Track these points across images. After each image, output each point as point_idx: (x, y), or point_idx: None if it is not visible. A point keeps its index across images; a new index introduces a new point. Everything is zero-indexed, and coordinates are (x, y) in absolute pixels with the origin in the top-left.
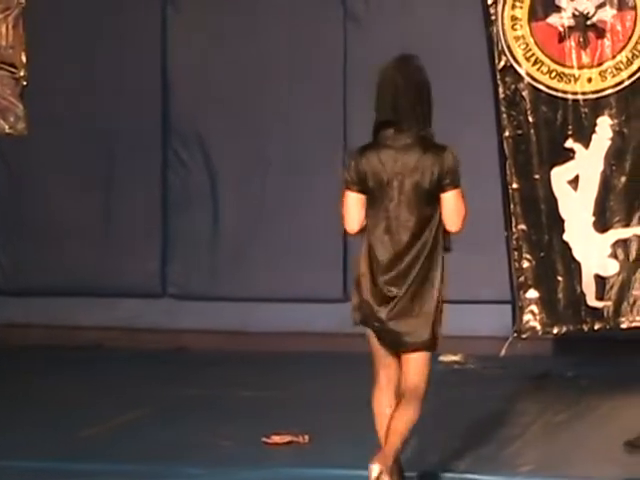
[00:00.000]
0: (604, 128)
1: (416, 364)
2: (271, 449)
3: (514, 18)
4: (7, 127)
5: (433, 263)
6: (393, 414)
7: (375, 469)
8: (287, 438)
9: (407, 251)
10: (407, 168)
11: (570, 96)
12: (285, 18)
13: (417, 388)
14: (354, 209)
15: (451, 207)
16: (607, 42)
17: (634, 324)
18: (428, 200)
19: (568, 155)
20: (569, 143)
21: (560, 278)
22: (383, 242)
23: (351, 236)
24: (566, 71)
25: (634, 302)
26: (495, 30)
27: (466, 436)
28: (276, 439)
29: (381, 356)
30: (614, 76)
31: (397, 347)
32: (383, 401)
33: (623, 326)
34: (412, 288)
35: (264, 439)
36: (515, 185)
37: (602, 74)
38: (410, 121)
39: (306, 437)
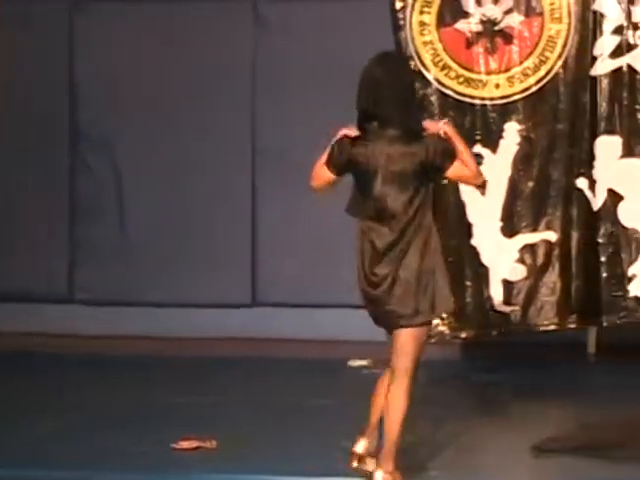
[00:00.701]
0: (512, 133)
1: (401, 342)
2: (180, 455)
3: (422, 23)
4: None
5: (417, 243)
6: (385, 402)
7: (379, 476)
8: (195, 444)
9: (399, 237)
10: (392, 159)
11: (478, 101)
12: (195, 22)
13: (403, 366)
14: (321, 180)
15: (459, 177)
16: (515, 48)
17: (541, 328)
18: (415, 188)
19: (476, 160)
20: (477, 148)
21: (468, 283)
22: (374, 229)
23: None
24: (474, 77)
25: (541, 307)
26: (403, 35)
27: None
28: (184, 445)
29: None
30: (521, 82)
31: (387, 327)
32: (381, 389)
33: (531, 330)
34: (396, 269)
35: (172, 445)
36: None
37: (510, 80)
38: (393, 114)
39: (214, 442)
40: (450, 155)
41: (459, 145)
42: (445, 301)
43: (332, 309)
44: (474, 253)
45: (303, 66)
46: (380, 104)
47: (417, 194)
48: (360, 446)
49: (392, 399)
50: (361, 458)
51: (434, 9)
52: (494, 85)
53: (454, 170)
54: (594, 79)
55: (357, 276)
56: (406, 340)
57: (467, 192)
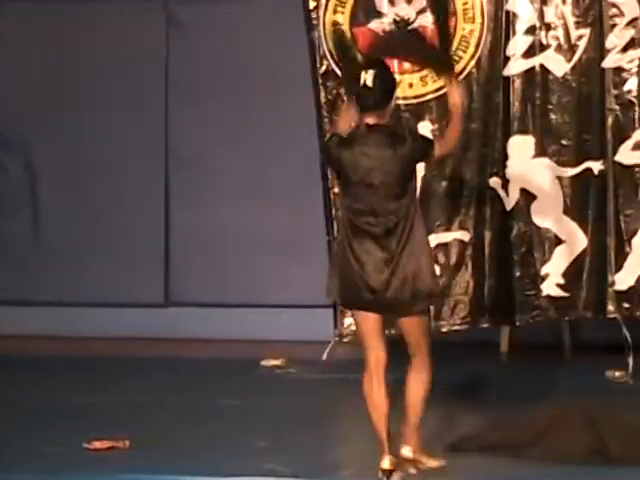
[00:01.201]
0: (425, 133)
1: (410, 324)
2: (92, 455)
3: (336, 23)
4: None
5: (412, 233)
6: (407, 384)
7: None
8: (108, 444)
9: (392, 231)
10: (380, 162)
11: None
12: (107, 22)
13: (419, 344)
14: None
15: (443, 154)
16: None
17: (455, 327)
18: (402, 186)
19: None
20: None
21: None
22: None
23: None
24: None
25: (455, 306)
26: (317, 35)
27: (284, 441)
28: (97, 445)
29: (369, 338)
30: (435, 81)
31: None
32: (375, 392)
33: (444, 330)
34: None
35: (85, 445)
36: (336, 190)
37: (423, 79)
38: (380, 118)
39: (127, 442)
40: (430, 148)
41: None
42: (434, 284)
43: (245, 309)
44: None
45: (216, 66)
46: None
47: (405, 192)
48: (386, 462)
49: (415, 381)
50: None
51: (347, 9)
52: (407, 85)
53: (436, 153)
54: (507, 79)
55: (342, 284)
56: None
57: None
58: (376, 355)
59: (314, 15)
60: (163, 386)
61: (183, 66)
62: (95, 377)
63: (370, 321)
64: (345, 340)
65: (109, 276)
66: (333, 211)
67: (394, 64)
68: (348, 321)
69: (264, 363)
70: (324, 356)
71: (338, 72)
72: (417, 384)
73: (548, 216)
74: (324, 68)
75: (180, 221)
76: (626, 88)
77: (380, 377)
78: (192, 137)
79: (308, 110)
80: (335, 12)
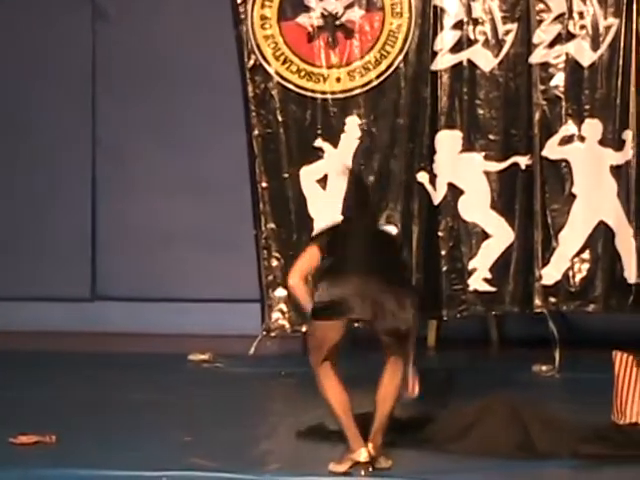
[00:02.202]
0: (353, 127)
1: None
2: (18, 449)
3: (264, 17)
4: None
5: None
6: (381, 380)
7: (363, 453)
8: (34, 438)
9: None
10: None
11: (319, 95)
12: (33, 14)
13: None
14: None
15: None
16: (355, 42)
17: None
18: None
19: (317, 154)
20: (318, 142)
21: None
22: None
23: None
24: (315, 71)
25: None
26: (244, 29)
27: (213, 436)
28: (23, 439)
29: (331, 347)
30: (362, 76)
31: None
32: (337, 388)
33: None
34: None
35: (11, 439)
36: (264, 184)
37: (350, 74)
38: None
39: (53, 437)
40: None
41: None
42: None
43: (173, 303)
44: None
45: (143, 58)
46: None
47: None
48: (363, 454)
49: (390, 378)
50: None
51: (275, 3)
52: (335, 79)
53: None
54: (435, 74)
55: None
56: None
57: (308, 187)
58: (331, 356)
59: (242, 9)
60: (89, 381)
61: (110, 57)
62: (21, 372)
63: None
64: (272, 335)
65: (34, 270)
66: (261, 205)
67: (321, 58)
68: (276, 315)
69: (191, 357)
70: (251, 350)
71: (266, 66)
72: (392, 381)
73: (475, 211)
74: (252, 62)
75: (107, 215)
76: (553, 83)
77: (337, 373)
78: (120, 129)
79: (237, 104)
80: (263, 6)
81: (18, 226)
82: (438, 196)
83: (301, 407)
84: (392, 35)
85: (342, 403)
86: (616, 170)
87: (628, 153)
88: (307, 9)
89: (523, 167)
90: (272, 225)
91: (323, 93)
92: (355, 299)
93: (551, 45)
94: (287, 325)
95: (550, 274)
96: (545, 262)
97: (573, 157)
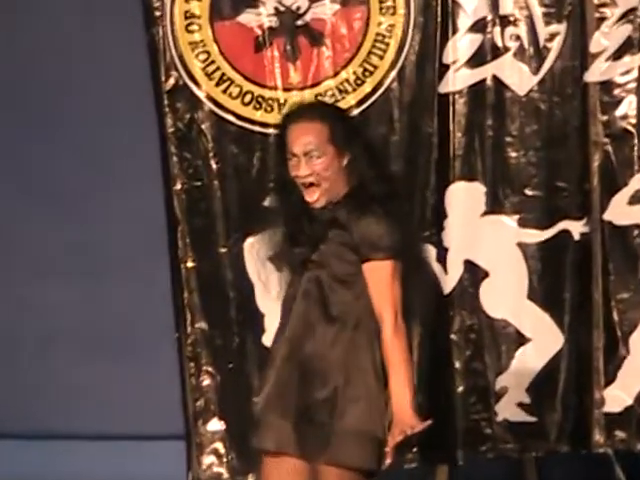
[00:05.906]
0: None
1: None
2: None
3: (190, 15)
4: None
5: None
6: None
7: None
8: None
9: None
10: None
11: (272, 130)
12: None
13: None
14: None
15: None
16: (326, 52)
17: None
18: None
19: (269, 218)
20: (269, 201)
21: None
22: None
23: None
24: (267, 94)
25: None
26: (161, 33)
27: None
28: None
29: None
30: (337, 101)
31: None
32: None
33: None
34: None
35: None
36: (190, 263)
37: (319, 98)
38: None
39: None
40: None
41: None
42: None
43: (55, 442)
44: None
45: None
46: None
47: None
48: None
49: None
50: None
51: None
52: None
53: None
54: (444, 97)
55: None
56: None
57: (257, 266)
58: None
59: (157, 4)
60: None
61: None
62: None
63: None
64: None
65: None
66: (185, 295)
67: (276, 75)
68: (208, 460)
69: None
70: None
71: (193, 88)
72: None
73: (505, 302)
74: (172, 82)
75: None
76: (620, 112)
77: None
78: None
79: (147, 143)
80: (188, 0)
81: None
82: (450, 280)
83: None
84: (381, 41)
85: None
86: None
87: None
88: (254, 4)
89: (576, 237)
90: (202, 324)
91: (278, 127)
92: None
93: (617, 55)
94: (225, 474)
95: (617, 397)
96: (609, 379)
97: None
